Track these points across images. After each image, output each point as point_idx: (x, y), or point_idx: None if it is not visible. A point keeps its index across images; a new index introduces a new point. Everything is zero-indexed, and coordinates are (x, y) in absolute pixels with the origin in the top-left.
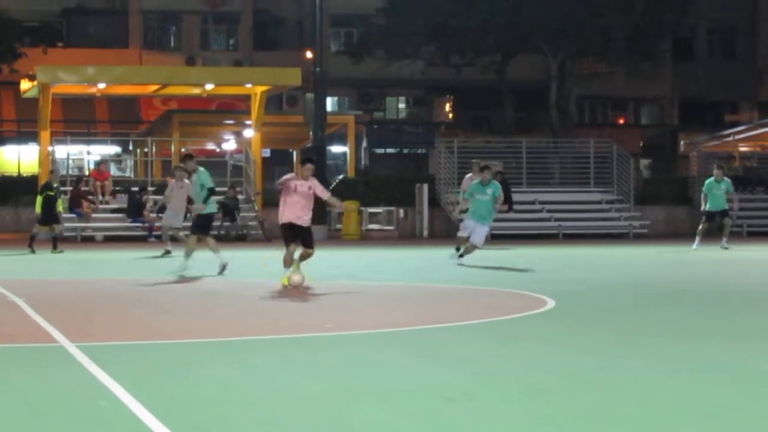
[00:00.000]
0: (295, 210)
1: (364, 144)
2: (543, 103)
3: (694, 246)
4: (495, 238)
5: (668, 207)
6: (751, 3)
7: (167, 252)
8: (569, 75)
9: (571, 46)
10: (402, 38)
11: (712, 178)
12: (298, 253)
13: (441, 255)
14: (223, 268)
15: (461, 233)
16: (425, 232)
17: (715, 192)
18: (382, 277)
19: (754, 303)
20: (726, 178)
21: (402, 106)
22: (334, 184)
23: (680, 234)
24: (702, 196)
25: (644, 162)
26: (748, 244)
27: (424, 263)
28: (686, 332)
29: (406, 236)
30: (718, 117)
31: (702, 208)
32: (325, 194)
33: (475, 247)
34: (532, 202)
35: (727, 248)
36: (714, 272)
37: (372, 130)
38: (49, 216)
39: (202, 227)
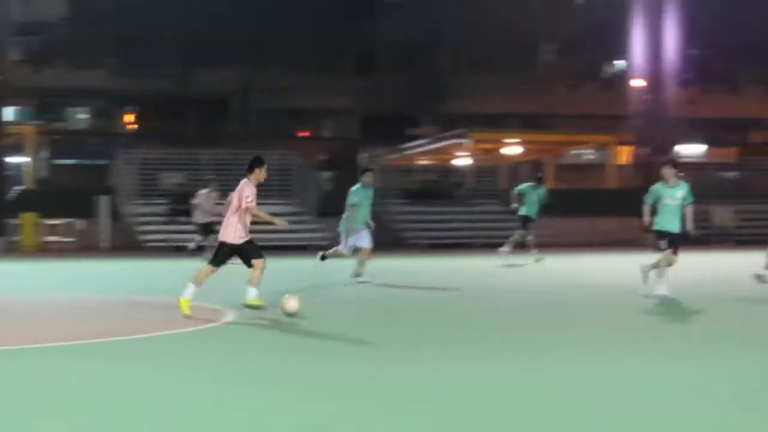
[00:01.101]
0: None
1: (44, 155)
2: (226, 114)
3: (504, 249)
4: (179, 250)
5: None
6: (434, 20)
7: None
8: (252, 87)
9: (254, 59)
10: (84, 47)
11: (528, 184)
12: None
13: (123, 267)
14: None
15: (361, 246)
16: (106, 244)
17: (529, 198)
18: (68, 288)
19: (470, 315)
20: (543, 186)
21: (84, 116)
22: (13, 195)
23: None
24: (515, 195)
25: (326, 175)
26: (426, 256)
27: (109, 275)
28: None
29: (87, 248)
30: (399, 131)
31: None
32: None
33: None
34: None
35: (541, 259)
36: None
37: (52, 140)
38: None
39: None
